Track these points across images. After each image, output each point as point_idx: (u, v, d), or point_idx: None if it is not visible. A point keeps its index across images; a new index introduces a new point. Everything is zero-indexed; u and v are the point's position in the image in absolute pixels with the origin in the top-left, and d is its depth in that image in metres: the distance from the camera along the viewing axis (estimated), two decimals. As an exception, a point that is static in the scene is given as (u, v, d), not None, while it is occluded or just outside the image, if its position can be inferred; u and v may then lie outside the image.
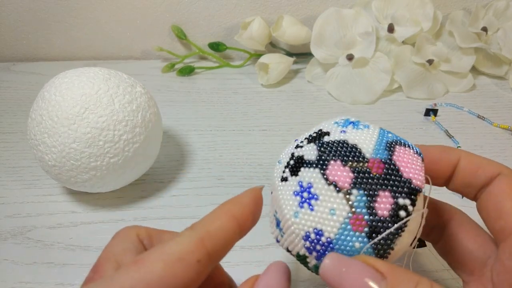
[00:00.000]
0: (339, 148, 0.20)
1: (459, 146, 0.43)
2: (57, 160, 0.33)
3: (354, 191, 0.19)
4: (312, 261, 0.20)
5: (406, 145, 0.21)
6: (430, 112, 0.47)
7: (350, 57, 0.49)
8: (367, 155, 0.20)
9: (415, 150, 0.21)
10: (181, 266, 0.17)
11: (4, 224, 0.36)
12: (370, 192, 0.19)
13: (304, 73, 0.54)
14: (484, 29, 0.51)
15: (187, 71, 0.54)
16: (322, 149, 0.20)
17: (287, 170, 0.21)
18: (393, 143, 0.21)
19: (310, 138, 0.22)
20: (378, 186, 0.19)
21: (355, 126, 0.21)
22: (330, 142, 0.21)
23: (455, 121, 0.47)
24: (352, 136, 0.21)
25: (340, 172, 0.19)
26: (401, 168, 0.19)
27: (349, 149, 0.20)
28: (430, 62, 0.50)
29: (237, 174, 0.41)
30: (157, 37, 0.57)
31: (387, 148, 0.20)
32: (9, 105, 0.50)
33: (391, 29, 0.49)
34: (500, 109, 0.49)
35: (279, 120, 0.48)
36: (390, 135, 0.22)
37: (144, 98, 0.35)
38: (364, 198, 0.18)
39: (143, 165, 0.36)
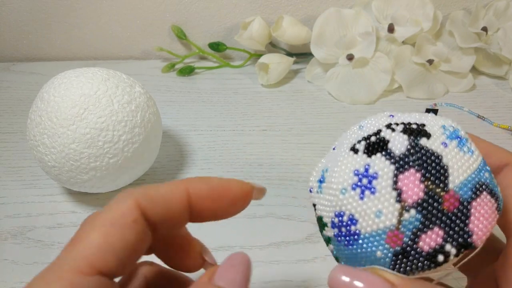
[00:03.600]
0: (428, 161, 0.18)
1: (459, 146, 0.43)
2: (57, 161, 0.33)
3: (412, 211, 0.17)
4: (329, 233, 0.19)
5: (494, 196, 0.19)
6: (430, 112, 0.47)
7: (350, 57, 0.49)
8: (450, 185, 0.17)
9: (498, 205, 0.19)
10: (115, 230, 0.17)
11: (4, 224, 0.36)
12: (427, 222, 0.17)
13: (304, 73, 0.54)
14: (484, 29, 0.51)
15: (187, 71, 0.54)
16: (412, 150, 0.18)
17: (363, 143, 0.19)
18: (484, 186, 0.18)
19: (408, 128, 0.19)
20: (437, 221, 0.17)
21: (460, 145, 0.19)
22: (425, 148, 0.18)
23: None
24: (450, 156, 0.18)
25: (413, 185, 0.17)
26: (472, 217, 0.17)
27: (438, 168, 0.18)
28: (430, 62, 0.50)
29: (237, 174, 0.41)
30: (157, 37, 0.57)
31: (474, 189, 0.18)
32: (9, 105, 0.50)
33: (391, 29, 0.49)
34: (500, 109, 0.49)
35: (279, 120, 0.48)
36: (487, 174, 0.19)
37: (143, 98, 0.35)
38: (417, 223, 0.17)
39: (142, 165, 0.36)
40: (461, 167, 0.18)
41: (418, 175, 0.17)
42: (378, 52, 0.50)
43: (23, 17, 0.55)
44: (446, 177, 0.18)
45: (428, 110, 0.47)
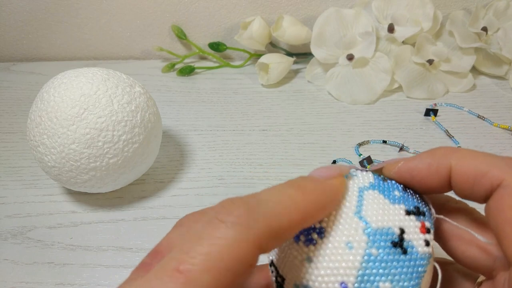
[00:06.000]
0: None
1: (459, 146, 0.43)
2: (57, 161, 0.33)
3: None
4: None
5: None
6: (430, 112, 0.47)
7: (350, 57, 0.49)
8: None
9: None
10: (231, 275, 0.15)
11: (4, 224, 0.36)
12: None
13: (304, 73, 0.54)
14: (484, 29, 0.51)
15: (187, 71, 0.54)
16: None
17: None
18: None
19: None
20: None
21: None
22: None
23: (455, 121, 0.47)
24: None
25: None
26: None
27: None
28: (430, 62, 0.49)
29: (237, 174, 0.41)
30: (157, 37, 0.57)
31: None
32: (9, 105, 0.50)
33: (391, 29, 0.49)
34: (500, 109, 0.49)
35: (279, 120, 0.48)
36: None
37: (143, 98, 0.35)
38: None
39: (143, 165, 0.36)
40: None
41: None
42: (378, 52, 0.50)
43: (23, 17, 0.55)
44: None
45: (428, 110, 0.47)
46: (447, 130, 0.45)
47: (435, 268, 0.18)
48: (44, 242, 0.35)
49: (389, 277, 0.17)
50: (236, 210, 0.15)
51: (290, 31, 0.52)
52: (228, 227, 0.15)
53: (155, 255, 0.17)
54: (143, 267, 0.17)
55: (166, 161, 0.42)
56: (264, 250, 0.15)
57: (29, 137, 0.34)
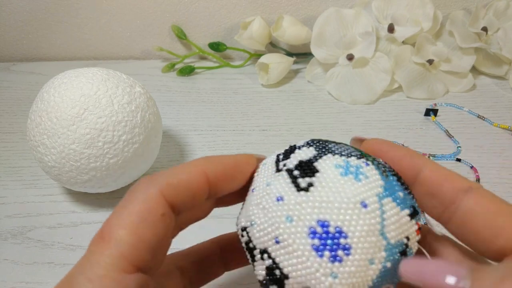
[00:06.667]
0: None
1: (459, 146, 0.43)
2: (57, 161, 0.33)
3: None
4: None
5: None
6: (430, 112, 0.47)
7: (350, 57, 0.49)
8: None
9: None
10: (145, 225, 0.17)
11: (4, 224, 0.36)
12: None
13: (304, 73, 0.54)
14: (484, 29, 0.51)
15: (187, 71, 0.54)
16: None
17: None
18: None
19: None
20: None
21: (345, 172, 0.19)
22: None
23: (455, 121, 0.47)
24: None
25: None
26: None
27: None
28: (430, 62, 0.50)
29: (237, 174, 0.41)
30: (157, 37, 0.57)
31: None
32: (9, 105, 0.50)
33: (391, 29, 0.49)
34: (500, 109, 0.49)
35: (279, 120, 0.48)
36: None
37: (143, 98, 0.35)
38: None
39: (143, 165, 0.36)
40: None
41: None
42: (378, 52, 0.50)
43: (23, 17, 0.55)
44: None
45: (428, 110, 0.47)
46: (447, 130, 0.45)
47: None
48: (44, 242, 0.35)
49: (394, 280, 0.18)
50: (142, 180, 0.18)
51: (290, 31, 0.52)
52: (135, 192, 0.18)
53: (103, 235, 0.19)
54: (95, 244, 0.19)
55: (166, 161, 0.42)
56: (173, 201, 0.18)
57: (29, 137, 0.34)
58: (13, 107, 0.50)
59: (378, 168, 0.19)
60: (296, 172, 0.18)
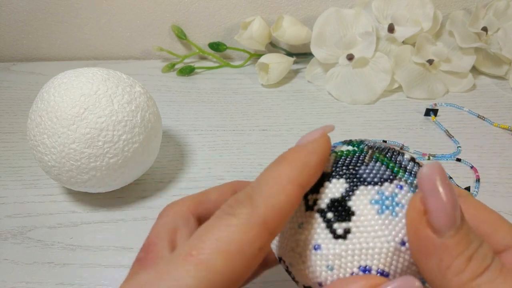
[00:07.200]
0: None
1: (459, 146, 0.43)
2: (57, 161, 0.33)
3: None
4: None
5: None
6: (430, 112, 0.47)
7: (350, 57, 0.49)
8: None
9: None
10: (241, 259, 0.15)
11: (4, 224, 0.36)
12: None
13: (304, 73, 0.54)
14: (484, 29, 0.51)
15: (187, 71, 0.54)
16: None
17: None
18: None
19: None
20: None
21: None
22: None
23: (455, 121, 0.47)
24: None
25: None
26: None
27: None
28: (430, 62, 0.50)
29: (237, 174, 0.41)
30: (157, 37, 0.57)
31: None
32: (9, 105, 0.50)
33: (391, 29, 0.49)
34: (500, 109, 0.49)
35: (279, 120, 0.48)
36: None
37: (143, 98, 0.35)
38: None
39: (143, 165, 0.36)
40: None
41: None
42: (378, 52, 0.50)
43: (23, 17, 0.55)
44: None
45: (428, 110, 0.47)
46: (447, 130, 0.45)
47: None
48: (44, 242, 0.35)
49: None
50: (239, 201, 0.16)
51: (290, 31, 0.52)
52: (235, 216, 0.16)
53: (148, 248, 0.18)
54: (140, 262, 0.18)
55: (166, 161, 0.42)
56: (273, 229, 0.16)
57: (29, 137, 0.34)
58: (13, 107, 0.50)
59: (411, 184, 0.18)
60: (330, 215, 0.17)
